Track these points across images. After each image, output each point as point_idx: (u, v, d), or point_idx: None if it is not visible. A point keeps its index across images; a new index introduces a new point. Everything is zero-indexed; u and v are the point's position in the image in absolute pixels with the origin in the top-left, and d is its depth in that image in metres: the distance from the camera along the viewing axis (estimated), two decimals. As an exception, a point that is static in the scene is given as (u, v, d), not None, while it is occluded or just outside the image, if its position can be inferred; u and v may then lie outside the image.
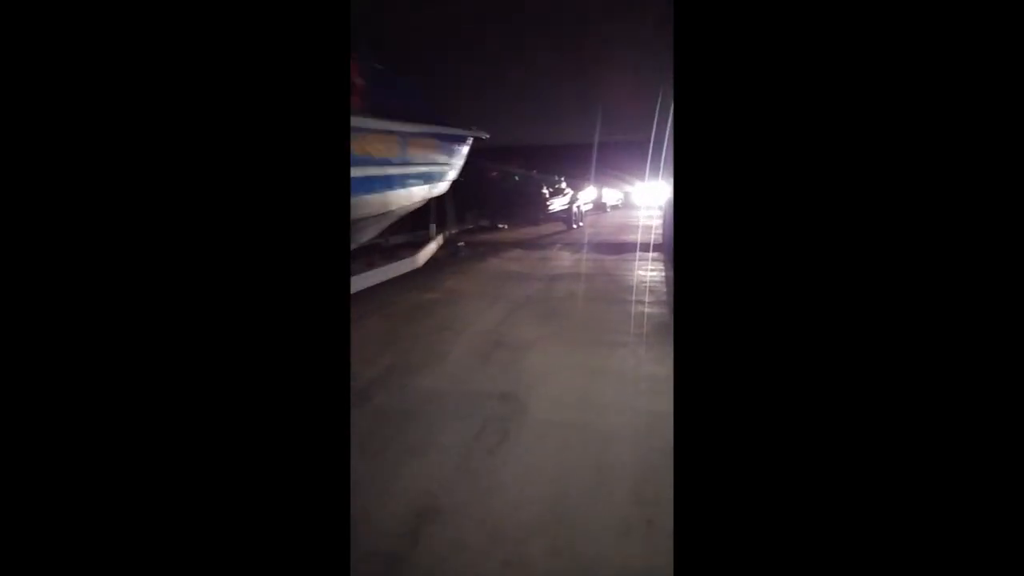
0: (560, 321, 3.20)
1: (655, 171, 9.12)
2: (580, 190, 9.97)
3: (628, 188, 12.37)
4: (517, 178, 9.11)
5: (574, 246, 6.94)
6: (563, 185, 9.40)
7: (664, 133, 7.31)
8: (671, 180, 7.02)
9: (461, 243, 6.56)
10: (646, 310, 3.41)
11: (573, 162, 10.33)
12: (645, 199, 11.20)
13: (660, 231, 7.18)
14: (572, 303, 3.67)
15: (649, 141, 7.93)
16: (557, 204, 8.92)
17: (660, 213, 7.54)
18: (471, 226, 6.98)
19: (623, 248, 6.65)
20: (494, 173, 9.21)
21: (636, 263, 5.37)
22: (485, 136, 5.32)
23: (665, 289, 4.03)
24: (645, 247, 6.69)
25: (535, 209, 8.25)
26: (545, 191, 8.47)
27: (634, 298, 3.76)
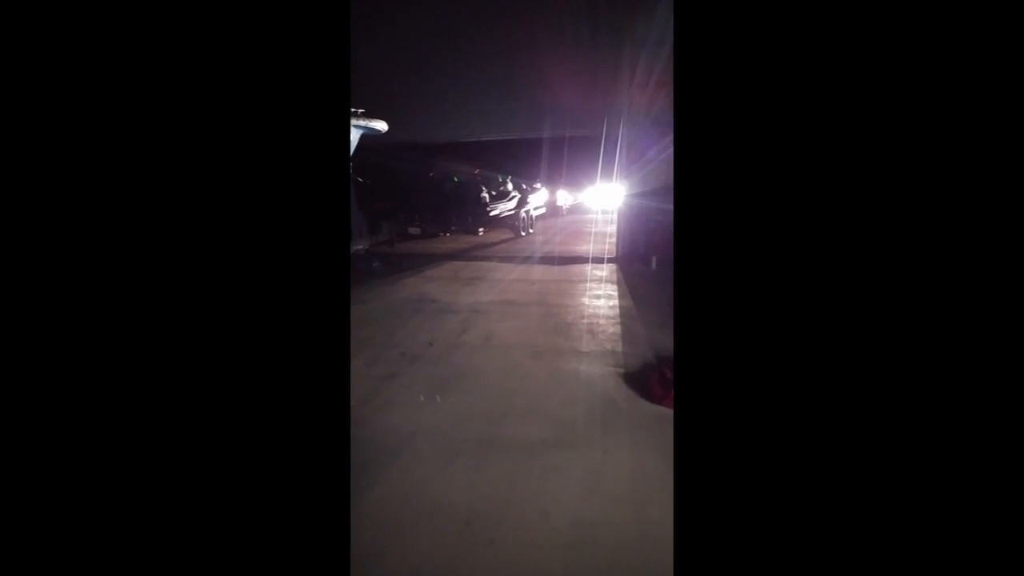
0: (459, 396, 2.14)
1: (608, 173, 8.29)
2: (530, 193, 8.97)
3: (578, 192, 11.48)
4: (457, 179, 8.02)
5: (515, 259, 5.92)
6: (509, 187, 8.37)
7: (617, 130, 6.44)
8: (627, 183, 6.15)
9: (376, 263, 5.39)
10: (584, 369, 2.40)
11: (523, 161, 9.36)
12: (598, 203, 10.37)
13: (614, 240, 6.29)
14: (484, 358, 2.61)
15: (600, 139, 7.06)
16: (502, 208, 7.88)
17: (615, 218, 6.66)
18: (387, 238, 5.82)
19: (572, 261, 5.69)
20: (431, 174, 8.09)
21: (585, 284, 4.40)
22: (381, 128, 4.18)
23: (615, 330, 3.04)
24: (598, 259, 5.76)
25: (473, 215, 7.15)
26: (485, 194, 7.39)
27: (570, 344, 2.75)
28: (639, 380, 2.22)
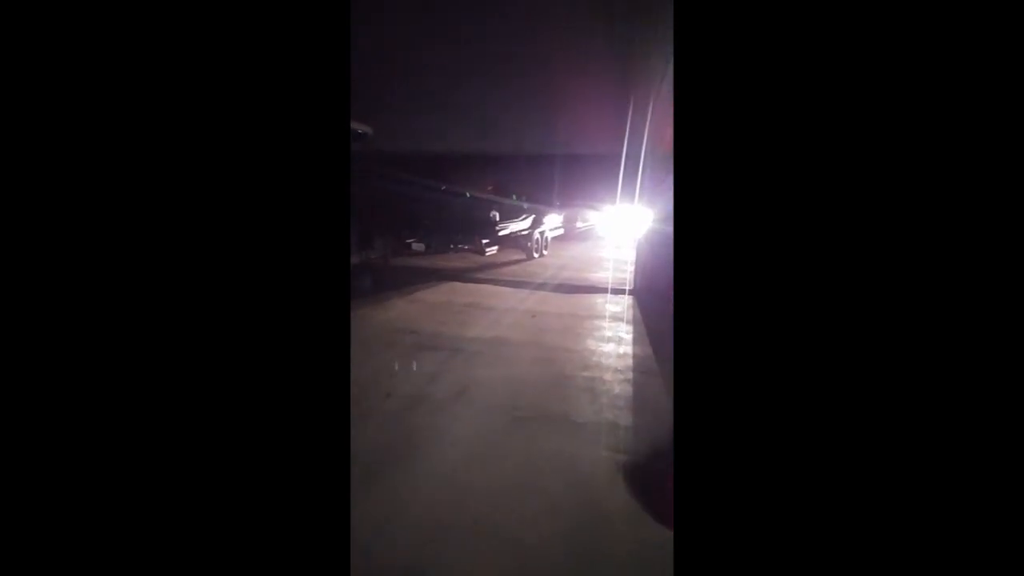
0: (395, 481, 1.56)
1: (628, 195, 7.69)
2: (545, 213, 8.45)
3: (596, 213, 10.85)
4: (469, 194, 7.57)
5: (521, 285, 5.35)
6: (523, 205, 7.87)
7: (639, 148, 5.89)
8: (648, 207, 5.57)
9: (368, 280, 4.91)
10: (574, 451, 1.79)
11: (538, 179, 8.90)
12: (617, 227, 9.74)
13: (634, 269, 5.67)
14: (448, 423, 2.03)
15: (620, 157, 6.49)
16: (513, 228, 7.36)
17: (635, 245, 6.06)
18: (380, 253, 5.33)
19: (583, 290, 5.09)
20: (444, 188, 7.68)
21: (594, 321, 3.79)
22: (360, 130, 3.74)
23: (622, 390, 2.41)
24: (613, 290, 5.14)
25: (480, 233, 6.63)
26: (495, 212, 6.89)
27: (563, 407, 2.14)
28: (645, 479, 1.60)
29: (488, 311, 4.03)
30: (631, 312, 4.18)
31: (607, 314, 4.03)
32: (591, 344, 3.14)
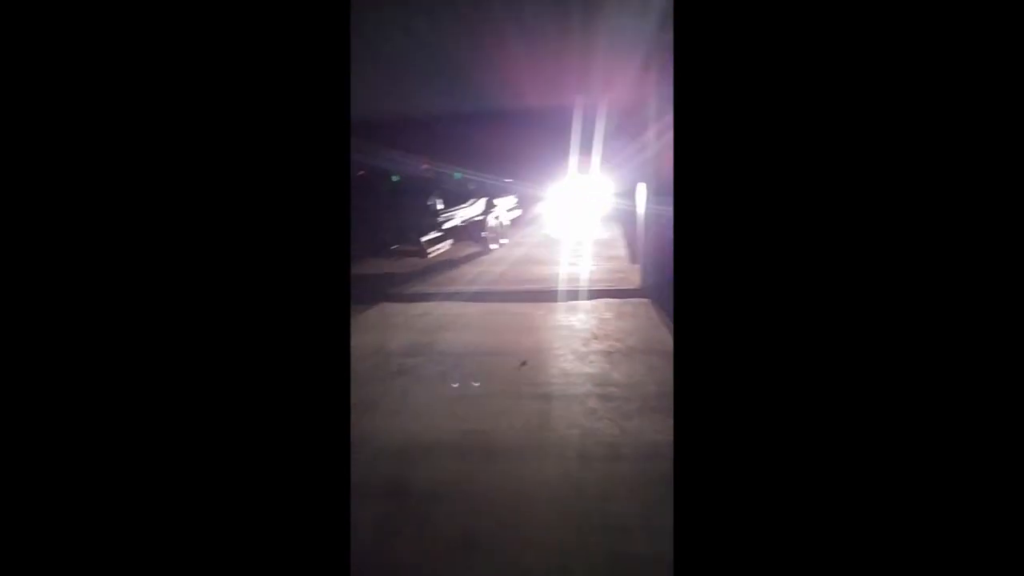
0: None
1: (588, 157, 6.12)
2: (497, 191, 6.85)
3: (539, 194, 8.04)
4: (396, 178, 5.81)
5: (482, 298, 3.79)
6: (470, 187, 6.23)
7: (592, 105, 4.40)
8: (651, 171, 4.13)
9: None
10: None
11: (490, 149, 7.21)
12: (576, 217, 7.30)
13: (627, 253, 4.24)
14: None
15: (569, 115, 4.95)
16: (461, 216, 5.73)
17: (626, 223, 4.63)
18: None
19: (566, 297, 3.61)
20: (360, 172, 5.83)
21: (590, 388, 2.33)
22: None
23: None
24: (612, 293, 3.70)
25: (419, 229, 4.97)
26: (435, 200, 5.22)
27: None
28: None
29: (429, 364, 2.47)
30: (653, 335, 2.74)
31: (612, 355, 2.57)
32: (594, 475, 1.66)
